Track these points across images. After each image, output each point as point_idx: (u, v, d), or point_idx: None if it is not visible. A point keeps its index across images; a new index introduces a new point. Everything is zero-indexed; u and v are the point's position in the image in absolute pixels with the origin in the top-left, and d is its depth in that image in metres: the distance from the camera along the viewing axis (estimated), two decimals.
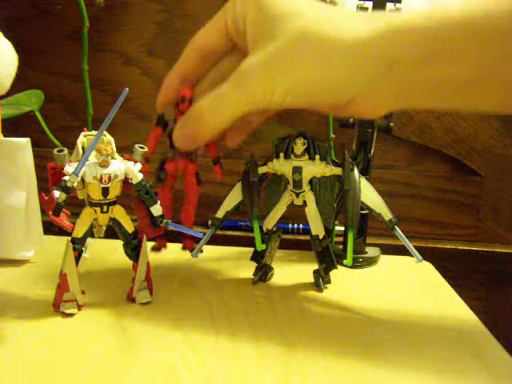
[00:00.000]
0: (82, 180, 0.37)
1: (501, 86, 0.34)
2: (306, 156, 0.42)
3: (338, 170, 0.42)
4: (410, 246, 0.40)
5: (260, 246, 0.42)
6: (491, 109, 0.38)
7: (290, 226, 0.60)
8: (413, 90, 0.36)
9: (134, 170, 0.38)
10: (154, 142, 0.44)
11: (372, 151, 0.52)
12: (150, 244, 0.49)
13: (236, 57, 0.42)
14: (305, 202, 0.43)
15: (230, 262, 0.51)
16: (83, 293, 0.38)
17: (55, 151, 0.37)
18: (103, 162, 0.37)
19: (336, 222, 0.57)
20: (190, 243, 0.49)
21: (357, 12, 0.39)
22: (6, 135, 0.47)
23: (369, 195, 0.41)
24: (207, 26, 0.42)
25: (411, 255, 0.40)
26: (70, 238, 0.37)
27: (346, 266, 0.48)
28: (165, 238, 0.46)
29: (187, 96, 0.41)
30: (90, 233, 0.38)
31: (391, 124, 0.52)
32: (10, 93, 0.48)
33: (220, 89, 0.39)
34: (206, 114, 0.39)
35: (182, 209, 0.47)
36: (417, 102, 0.39)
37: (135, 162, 0.38)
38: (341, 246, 0.54)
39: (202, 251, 0.44)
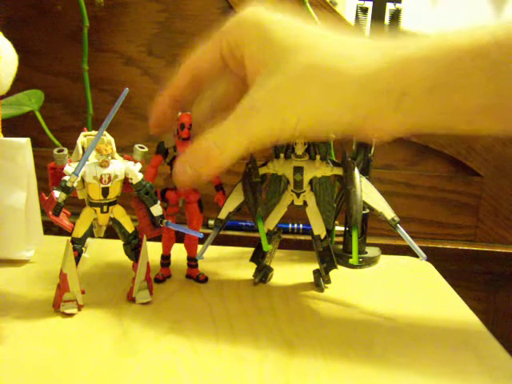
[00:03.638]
0: (82, 180, 0.37)
1: None
2: (307, 156, 0.42)
3: (338, 170, 0.42)
4: (413, 244, 0.40)
5: (267, 247, 0.41)
6: (504, 133, 0.38)
7: (290, 226, 0.60)
8: (422, 119, 0.36)
9: (134, 170, 0.38)
10: (154, 170, 0.43)
11: (372, 151, 0.52)
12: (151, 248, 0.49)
13: (231, 82, 0.41)
14: (305, 202, 0.43)
15: (230, 261, 0.50)
16: (83, 293, 0.38)
17: (55, 151, 0.37)
18: (103, 162, 0.37)
19: (336, 222, 0.57)
20: (195, 270, 0.46)
21: (365, 40, 0.37)
22: (6, 135, 0.47)
23: (370, 194, 0.41)
24: (201, 49, 0.41)
25: (412, 255, 0.40)
26: (69, 238, 0.37)
27: (351, 265, 0.48)
28: (169, 267, 0.46)
29: (186, 123, 0.41)
30: (90, 233, 0.38)
31: None
32: (10, 93, 0.48)
33: (225, 125, 0.37)
34: (212, 153, 0.37)
35: (185, 236, 0.45)
36: (427, 128, 0.38)
37: (135, 161, 0.38)
38: (341, 246, 0.54)
39: None
